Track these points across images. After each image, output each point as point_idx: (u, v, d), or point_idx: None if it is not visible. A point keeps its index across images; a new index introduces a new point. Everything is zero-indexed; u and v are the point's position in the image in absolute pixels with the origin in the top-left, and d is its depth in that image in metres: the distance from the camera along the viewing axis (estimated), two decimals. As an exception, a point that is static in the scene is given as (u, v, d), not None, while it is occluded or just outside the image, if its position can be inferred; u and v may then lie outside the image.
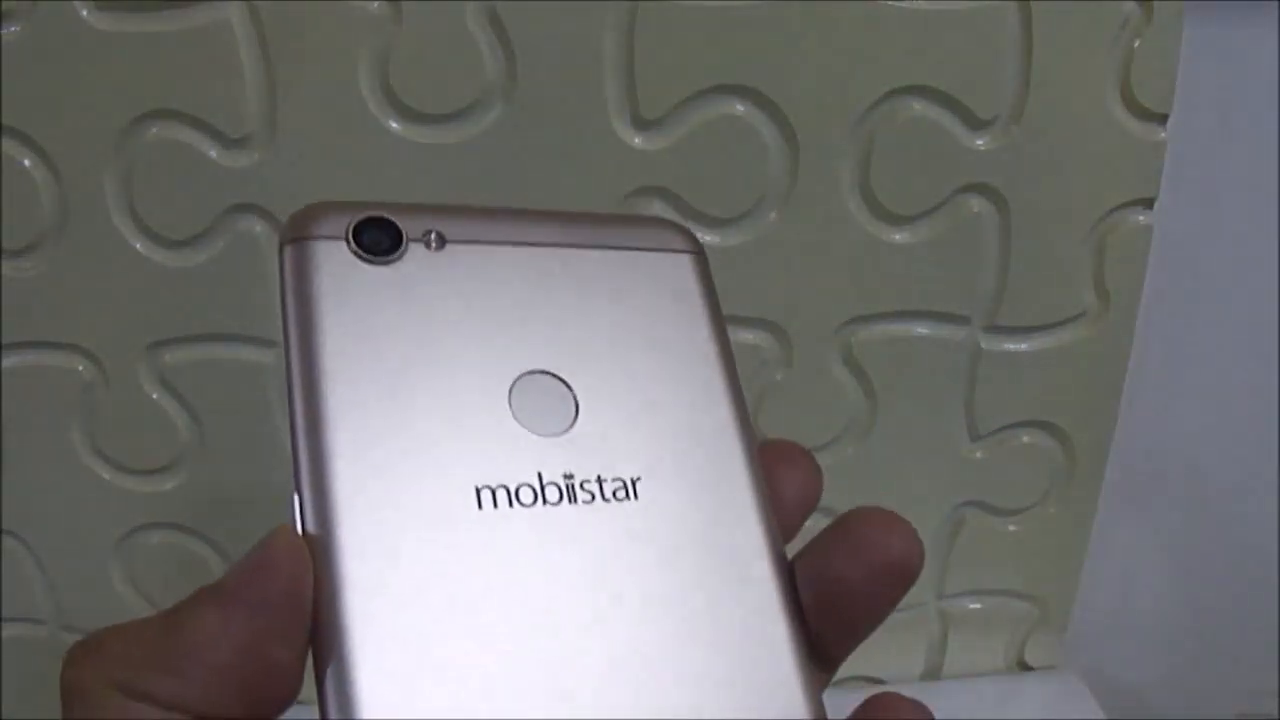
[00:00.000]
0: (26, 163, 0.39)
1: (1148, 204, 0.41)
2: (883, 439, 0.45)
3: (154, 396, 0.42)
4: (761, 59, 0.38)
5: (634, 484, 0.19)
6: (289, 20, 0.37)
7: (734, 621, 0.18)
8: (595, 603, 0.18)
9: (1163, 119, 0.40)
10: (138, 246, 0.40)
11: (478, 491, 0.18)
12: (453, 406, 0.18)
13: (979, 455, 0.46)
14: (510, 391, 0.19)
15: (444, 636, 0.16)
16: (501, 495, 0.18)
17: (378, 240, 0.19)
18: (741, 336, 0.42)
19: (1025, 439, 0.46)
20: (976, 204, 0.41)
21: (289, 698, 0.16)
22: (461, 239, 0.20)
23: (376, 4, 0.37)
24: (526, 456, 0.18)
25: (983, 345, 0.43)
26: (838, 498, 0.46)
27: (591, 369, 0.20)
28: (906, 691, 0.19)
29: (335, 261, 0.19)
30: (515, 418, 0.19)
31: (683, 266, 0.21)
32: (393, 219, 0.19)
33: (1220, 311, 0.47)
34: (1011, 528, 0.47)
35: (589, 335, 0.20)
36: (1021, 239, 0.41)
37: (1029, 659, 0.51)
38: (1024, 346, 0.44)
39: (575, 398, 0.19)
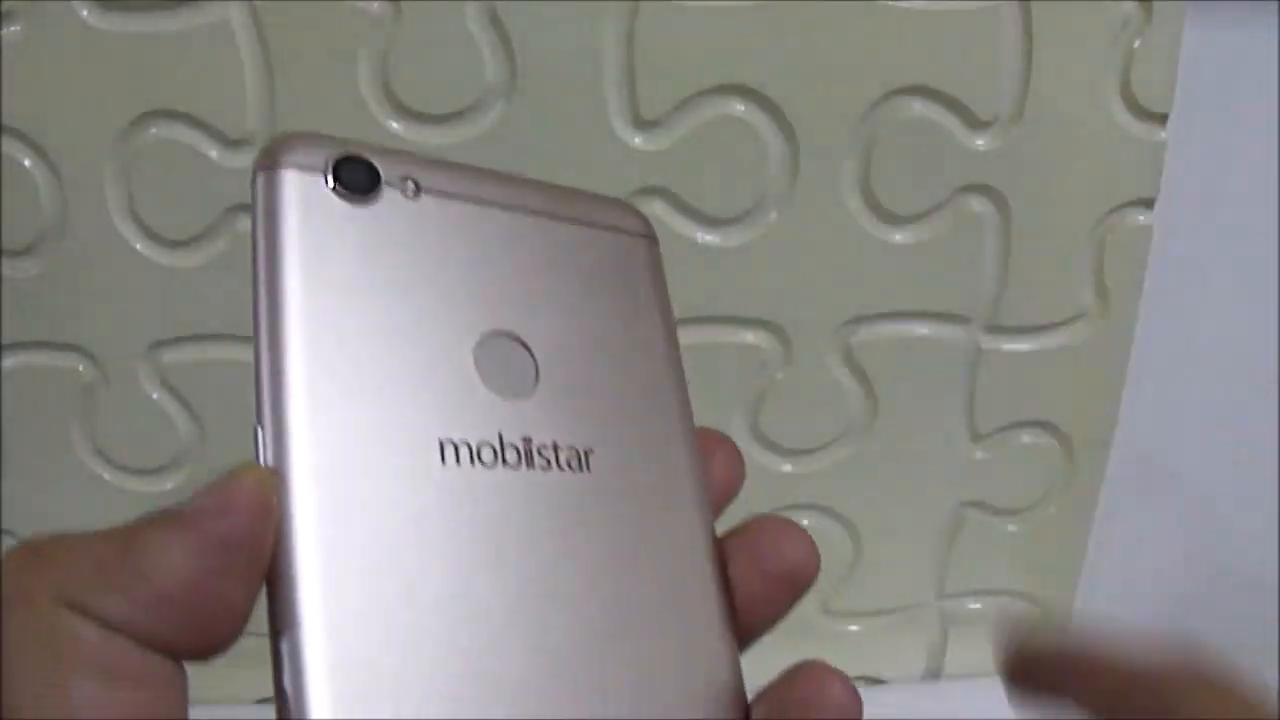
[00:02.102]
0: (26, 163, 0.39)
1: (1148, 204, 0.41)
2: (883, 439, 0.45)
3: (154, 396, 0.42)
4: (761, 59, 0.38)
5: (586, 456, 0.19)
6: (289, 20, 0.37)
7: (668, 602, 0.19)
8: (546, 572, 0.18)
9: (1163, 119, 0.40)
10: (138, 246, 0.40)
11: (441, 445, 0.18)
12: (419, 356, 0.18)
13: (979, 455, 0.46)
14: (475, 349, 0.19)
15: (401, 601, 0.16)
16: (464, 451, 0.18)
17: (357, 178, 0.18)
18: (741, 336, 0.42)
19: (1025, 439, 0.46)
20: (976, 204, 0.41)
21: (233, 635, 0.16)
22: (436, 190, 0.19)
23: (376, 4, 0.37)
24: (489, 415, 0.18)
25: (983, 345, 0.43)
26: (838, 498, 0.46)
27: (553, 338, 0.20)
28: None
29: (311, 194, 0.18)
30: (479, 375, 0.18)
31: (637, 250, 0.22)
32: (372, 160, 0.19)
33: (1220, 311, 0.47)
34: (1011, 528, 0.47)
35: (552, 304, 0.20)
36: (1021, 239, 0.41)
37: (1029, 659, 0.51)
38: (1024, 346, 0.44)
39: (536, 364, 0.19)
